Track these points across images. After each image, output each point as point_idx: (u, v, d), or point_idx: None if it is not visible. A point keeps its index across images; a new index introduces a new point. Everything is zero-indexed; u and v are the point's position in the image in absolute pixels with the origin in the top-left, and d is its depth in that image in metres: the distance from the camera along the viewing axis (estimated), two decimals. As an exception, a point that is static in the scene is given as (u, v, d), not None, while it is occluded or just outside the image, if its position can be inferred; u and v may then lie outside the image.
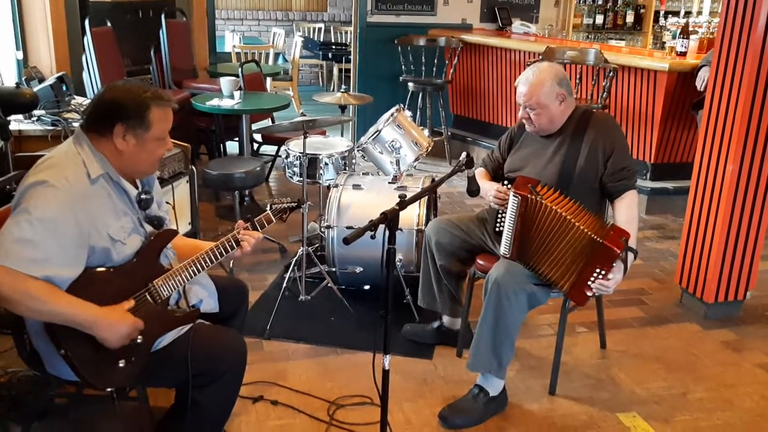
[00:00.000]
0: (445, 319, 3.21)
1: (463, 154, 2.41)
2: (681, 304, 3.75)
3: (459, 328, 3.16)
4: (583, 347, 3.30)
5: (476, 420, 2.70)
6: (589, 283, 2.58)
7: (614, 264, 2.54)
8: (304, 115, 3.37)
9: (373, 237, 1.87)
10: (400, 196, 2.03)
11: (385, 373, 2.11)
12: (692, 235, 3.59)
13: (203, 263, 2.11)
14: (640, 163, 5.21)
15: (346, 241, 1.80)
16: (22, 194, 1.84)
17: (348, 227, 3.43)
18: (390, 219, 1.91)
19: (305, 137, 3.35)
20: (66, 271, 1.83)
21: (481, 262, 2.97)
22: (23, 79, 4.32)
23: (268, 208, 2.29)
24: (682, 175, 4.95)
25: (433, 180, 3.66)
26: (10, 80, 4.40)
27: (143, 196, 2.07)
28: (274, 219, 2.28)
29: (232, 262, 3.94)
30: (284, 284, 3.45)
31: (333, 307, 3.48)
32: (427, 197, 3.51)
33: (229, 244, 2.16)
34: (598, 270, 2.55)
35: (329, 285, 3.49)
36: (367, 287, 3.66)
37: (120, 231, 1.97)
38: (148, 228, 2.09)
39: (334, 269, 3.54)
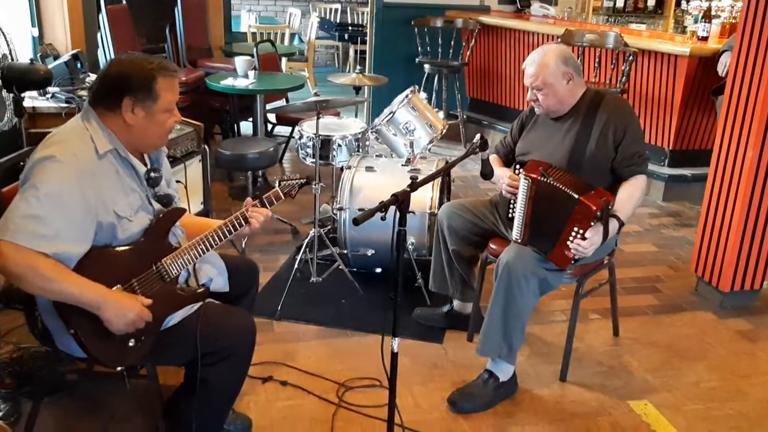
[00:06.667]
0: (456, 302, 3.19)
1: (477, 136, 2.38)
2: (696, 292, 3.71)
3: (469, 312, 3.14)
4: (595, 334, 3.27)
5: (485, 405, 2.68)
6: (568, 243, 2.55)
7: (591, 223, 2.51)
8: (318, 96, 3.34)
9: (383, 218, 1.85)
10: (411, 178, 2.01)
11: (394, 356, 2.09)
12: (709, 223, 3.53)
13: (212, 241, 2.09)
14: (658, 149, 5.14)
15: (356, 222, 1.78)
16: (29, 170, 1.83)
17: (360, 209, 3.41)
18: (401, 201, 1.88)
19: (318, 118, 3.33)
20: (74, 247, 1.83)
21: (493, 246, 2.94)
22: (38, 56, 4.32)
23: (276, 184, 2.27)
24: (701, 162, 4.86)
25: (447, 163, 3.62)
26: (25, 57, 4.39)
27: (152, 174, 2.06)
28: (282, 196, 2.25)
29: (244, 241, 3.93)
30: (295, 265, 3.44)
31: (344, 289, 3.46)
32: (440, 180, 3.47)
33: (237, 221, 2.14)
34: (576, 229, 2.53)
35: (340, 267, 3.47)
36: (378, 270, 3.64)
37: (127, 208, 1.96)
38: (157, 206, 2.08)
39: (345, 251, 3.52)
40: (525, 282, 2.60)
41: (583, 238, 2.53)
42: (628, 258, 4.10)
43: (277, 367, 2.87)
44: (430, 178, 2.06)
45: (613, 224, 2.58)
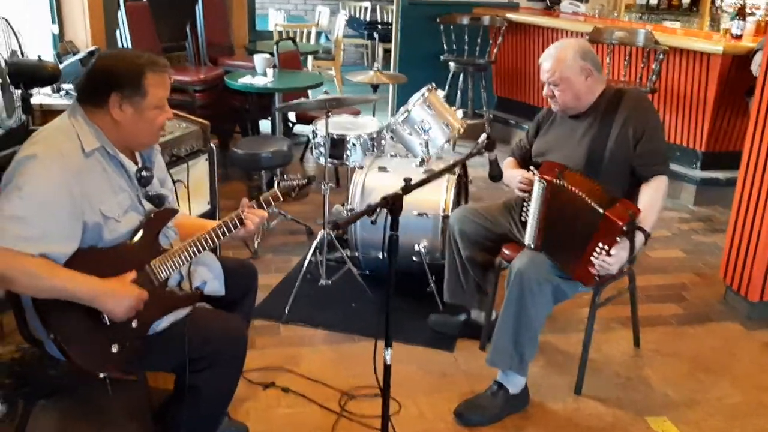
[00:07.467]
0: (473, 312, 3.07)
1: (483, 135, 2.26)
2: (724, 301, 3.53)
3: (486, 322, 3.03)
4: (614, 345, 3.12)
5: (493, 418, 2.57)
6: (592, 259, 2.41)
7: (618, 239, 2.37)
8: (327, 93, 3.25)
9: (373, 222, 1.75)
10: (405, 180, 1.90)
11: (387, 368, 1.99)
12: (738, 229, 3.36)
13: (203, 244, 2.02)
14: (690, 151, 4.96)
15: (337, 226, 1.69)
16: (13, 170, 1.78)
17: (372, 211, 3.31)
18: (391, 204, 1.78)
19: (328, 117, 3.24)
20: (61, 247, 1.77)
21: (507, 251, 2.82)
22: (57, 53, 4.32)
23: (276, 185, 2.18)
24: (735, 164, 4.64)
25: (464, 164, 3.50)
26: (48, 55, 4.39)
27: (143, 173, 1.99)
28: (281, 197, 2.17)
29: (257, 242, 3.87)
30: (304, 267, 3.36)
31: (354, 292, 3.37)
32: (455, 182, 3.35)
33: (232, 223, 2.07)
34: (600, 245, 2.39)
35: (350, 269, 3.38)
36: (390, 273, 3.53)
37: (115, 208, 1.89)
38: (148, 206, 2.01)
39: (356, 254, 3.43)
40: (538, 289, 2.48)
41: (609, 255, 2.40)
42: (652, 264, 3.93)
43: (280, 373, 2.79)
44: (424, 181, 1.95)
45: (639, 237, 2.46)
